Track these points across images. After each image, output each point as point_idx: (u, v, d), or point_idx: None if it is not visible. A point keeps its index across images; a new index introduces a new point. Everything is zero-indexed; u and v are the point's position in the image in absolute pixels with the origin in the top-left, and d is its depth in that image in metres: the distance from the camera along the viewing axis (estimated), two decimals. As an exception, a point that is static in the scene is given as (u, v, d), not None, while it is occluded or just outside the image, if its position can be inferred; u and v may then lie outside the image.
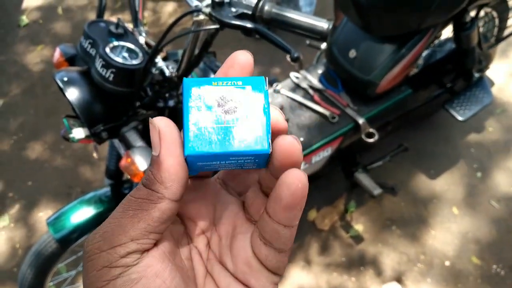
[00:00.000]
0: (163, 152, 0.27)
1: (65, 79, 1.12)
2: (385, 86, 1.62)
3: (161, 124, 0.28)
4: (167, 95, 1.24)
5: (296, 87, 1.73)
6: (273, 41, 0.89)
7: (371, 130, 1.61)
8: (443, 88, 1.95)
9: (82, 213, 1.44)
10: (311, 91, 1.70)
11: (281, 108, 1.67)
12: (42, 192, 2.32)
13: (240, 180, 0.35)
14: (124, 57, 1.10)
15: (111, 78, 1.08)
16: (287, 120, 1.62)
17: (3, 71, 2.96)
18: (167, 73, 1.17)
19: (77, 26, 3.19)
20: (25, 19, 3.27)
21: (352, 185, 1.98)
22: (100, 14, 1.22)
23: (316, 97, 1.68)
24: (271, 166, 0.29)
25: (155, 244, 0.29)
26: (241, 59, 0.30)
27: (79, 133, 1.17)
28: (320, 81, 1.73)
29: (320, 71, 1.78)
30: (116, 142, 1.33)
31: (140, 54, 1.13)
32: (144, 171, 1.10)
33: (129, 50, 1.13)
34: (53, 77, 1.14)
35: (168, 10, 3.18)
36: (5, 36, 3.19)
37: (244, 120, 0.28)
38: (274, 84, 1.74)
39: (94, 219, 1.44)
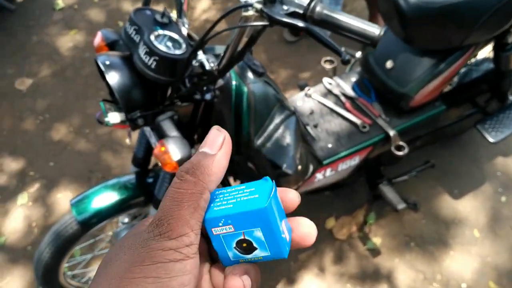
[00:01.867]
0: (222, 153, 0.33)
1: (107, 62, 1.13)
2: (420, 100, 1.60)
3: (226, 134, 0.34)
4: (204, 88, 1.24)
5: (328, 93, 1.72)
6: (323, 42, 0.88)
7: (401, 143, 1.59)
8: (476, 108, 1.92)
9: (105, 198, 1.43)
10: (343, 98, 1.69)
11: (311, 112, 1.66)
12: (63, 174, 2.34)
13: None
14: (167, 46, 1.10)
15: (153, 66, 1.08)
16: (315, 126, 1.61)
17: (35, 52, 3.01)
18: (207, 66, 1.16)
19: (111, 14, 3.22)
20: (60, 3, 3.32)
21: (375, 197, 1.96)
22: (146, 2, 1.23)
23: (348, 104, 1.67)
24: None
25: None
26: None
27: (114, 117, 1.18)
28: (353, 89, 1.72)
29: (353, 79, 1.76)
30: (147, 130, 1.33)
31: (183, 45, 1.13)
32: (178, 161, 1.10)
33: (172, 40, 1.13)
34: (94, 60, 1.15)
35: (202, 7, 3.20)
36: (39, 18, 3.24)
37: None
38: (306, 88, 1.73)
39: (117, 204, 1.43)
